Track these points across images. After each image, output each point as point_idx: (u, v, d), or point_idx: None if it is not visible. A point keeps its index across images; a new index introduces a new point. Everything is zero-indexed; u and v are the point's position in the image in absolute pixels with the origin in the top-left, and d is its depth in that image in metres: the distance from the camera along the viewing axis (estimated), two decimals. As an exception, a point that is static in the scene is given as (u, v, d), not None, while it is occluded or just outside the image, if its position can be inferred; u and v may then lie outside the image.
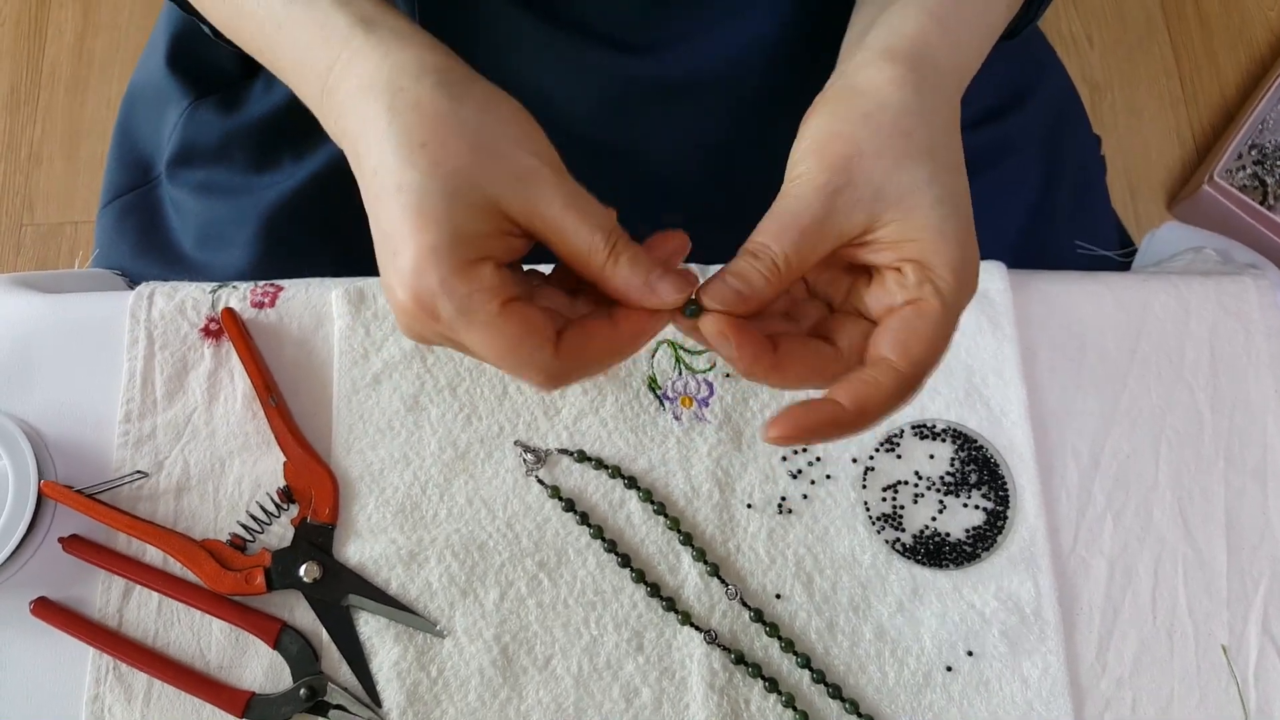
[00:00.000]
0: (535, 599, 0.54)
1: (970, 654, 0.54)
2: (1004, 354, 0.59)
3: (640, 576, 0.54)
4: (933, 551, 0.55)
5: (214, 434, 0.57)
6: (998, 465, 0.56)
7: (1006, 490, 0.56)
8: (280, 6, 0.43)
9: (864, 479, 0.56)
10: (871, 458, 0.57)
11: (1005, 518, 0.56)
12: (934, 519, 0.56)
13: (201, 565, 0.53)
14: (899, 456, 0.57)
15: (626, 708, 0.53)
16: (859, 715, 0.52)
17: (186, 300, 0.59)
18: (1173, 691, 0.54)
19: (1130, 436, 0.58)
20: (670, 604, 0.54)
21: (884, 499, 0.56)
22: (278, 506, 0.55)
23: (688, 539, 0.55)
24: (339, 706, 0.52)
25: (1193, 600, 0.56)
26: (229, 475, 0.56)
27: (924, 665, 0.54)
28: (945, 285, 0.38)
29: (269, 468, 0.56)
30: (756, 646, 0.54)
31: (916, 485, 0.56)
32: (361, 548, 0.54)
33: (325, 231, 0.69)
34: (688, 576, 0.55)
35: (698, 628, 0.54)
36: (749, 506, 0.56)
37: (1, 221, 1.27)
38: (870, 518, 0.56)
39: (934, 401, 0.58)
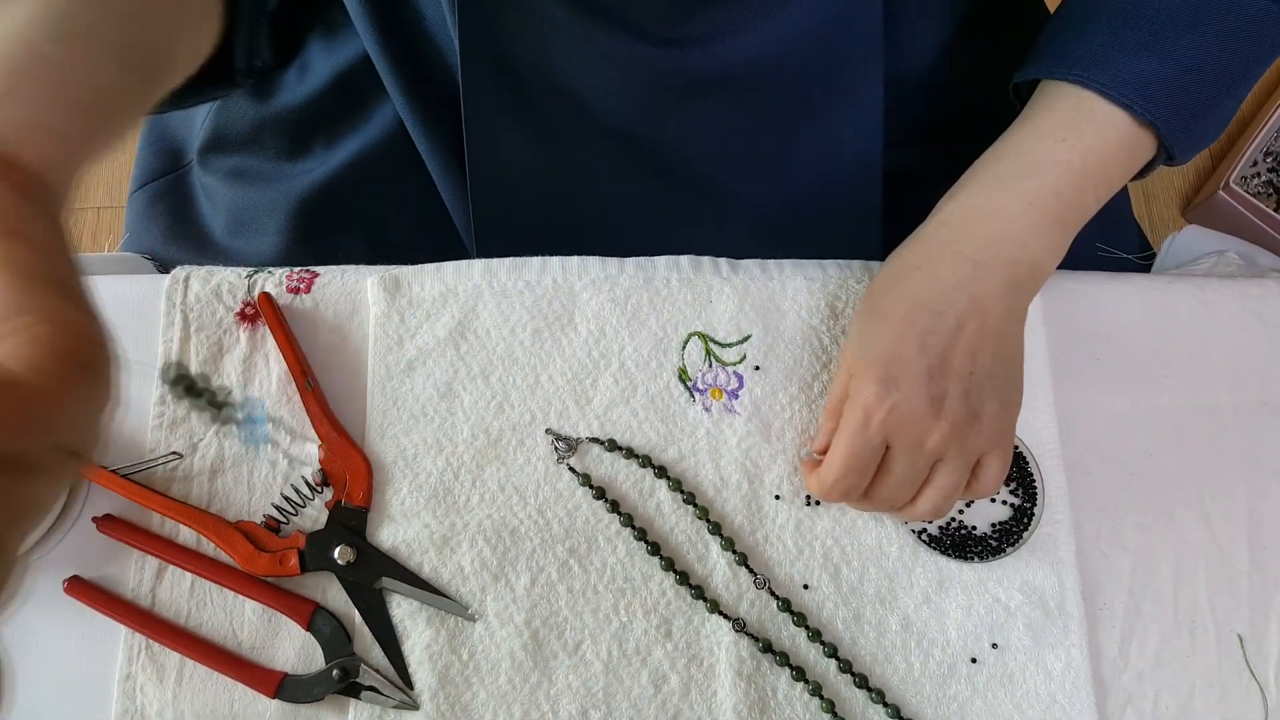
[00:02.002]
0: (565, 585, 0.55)
1: (995, 646, 0.54)
2: (1033, 351, 0.59)
3: (669, 564, 0.55)
4: (959, 544, 0.56)
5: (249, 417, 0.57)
6: (1026, 461, 0.57)
7: (1034, 486, 0.57)
8: None
9: (892, 472, 0.57)
10: (900, 451, 0.57)
11: (1031, 514, 0.56)
12: (961, 512, 0.57)
13: (235, 546, 0.53)
14: (928, 450, 0.57)
15: (655, 693, 0.53)
16: (885, 705, 0.53)
17: (223, 284, 0.59)
18: (1194, 687, 0.55)
19: (1155, 435, 0.59)
20: (699, 592, 0.55)
21: (912, 492, 0.56)
22: (312, 489, 0.55)
23: (716, 528, 0.56)
24: (371, 688, 0.52)
25: (1214, 597, 0.57)
26: (263, 458, 0.56)
27: (949, 656, 0.54)
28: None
29: (303, 451, 0.56)
30: (784, 635, 0.54)
31: (943, 479, 0.57)
32: (395, 531, 0.55)
33: (357, 219, 0.69)
34: (716, 565, 0.55)
35: (726, 616, 0.54)
36: (777, 498, 0.56)
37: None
38: (898, 510, 0.56)
39: (961, 397, 0.58)
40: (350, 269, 0.60)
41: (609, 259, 0.61)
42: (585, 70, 0.62)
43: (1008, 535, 0.56)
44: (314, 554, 0.54)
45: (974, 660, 0.54)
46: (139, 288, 0.60)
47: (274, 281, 0.59)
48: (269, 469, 0.56)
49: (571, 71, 0.61)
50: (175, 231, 0.73)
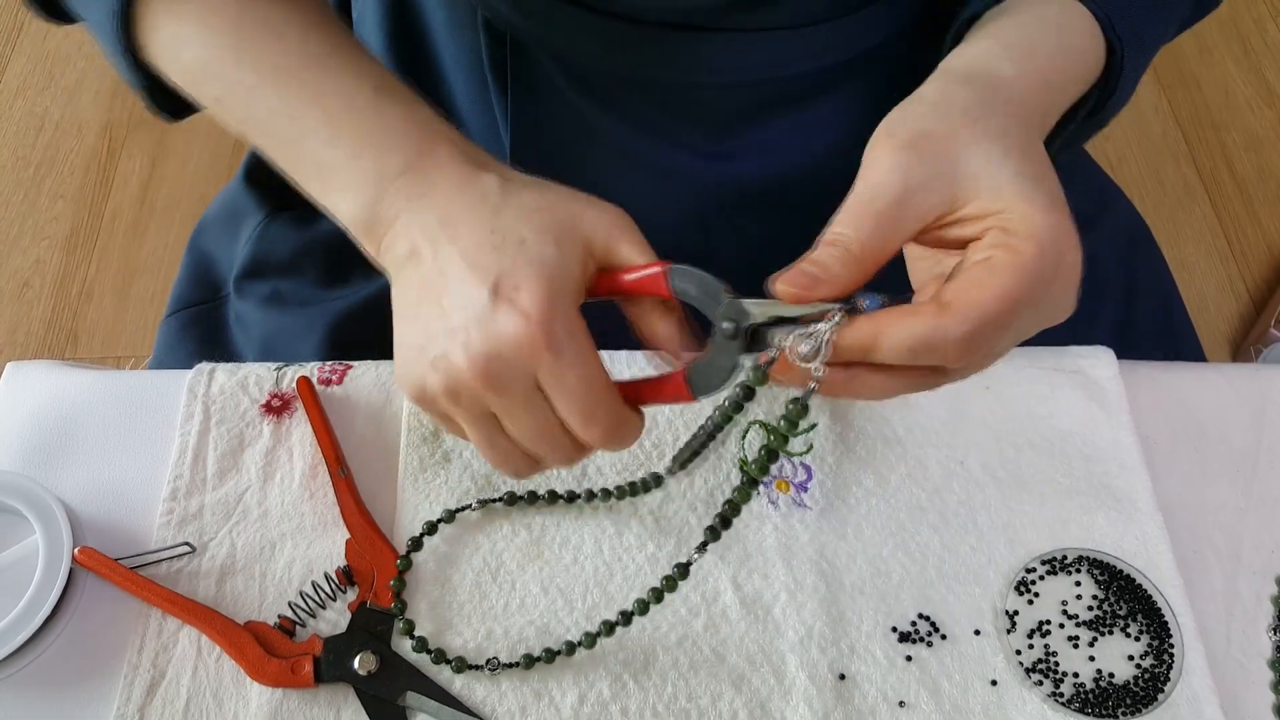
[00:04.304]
0: (619, 704, 0.47)
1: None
2: (1122, 442, 0.54)
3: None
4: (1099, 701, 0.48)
5: (266, 514, 0.52)
6: (1138, 584, 0.50)
7: (1149, 598, 0.50)
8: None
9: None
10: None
11: (1165, 643, 0.49)
12: (1091, 659, 0.50)
13: (243, 650, 0.46)
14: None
15: (730, 833, 0.44)
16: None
17: (249, 377, 0.55)
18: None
19: (1270, 527, 0.53)
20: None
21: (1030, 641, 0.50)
22: (336, 588, 0.49)
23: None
24: (390, 825, 0.44)
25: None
26: (279, 559, 0.50)
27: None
28: (1023, 248, 0.35)
29: (324, 552, 0.50)
30: (879, 761, 0.46)
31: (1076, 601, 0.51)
32: (422, 639, 0.48)
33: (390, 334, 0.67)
34: (795, 681, 0.48)
35: (809, 738, 0.46)
36: (861, 594, 0.50)
37: (42, 356, 1.26)
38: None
39: (1053, 489, 0.53)
40: (385, 362, 0.57)
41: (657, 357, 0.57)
42: (630, 180, 0.61)
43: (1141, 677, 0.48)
44: (332, 662, 0.46)
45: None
46: (160, 381, 0.56)
47: (306, 373, 0.56)
48: (284, 571, 0.50)
49: (617, 181, 0.61)
50: (203, 356, 0.70)
